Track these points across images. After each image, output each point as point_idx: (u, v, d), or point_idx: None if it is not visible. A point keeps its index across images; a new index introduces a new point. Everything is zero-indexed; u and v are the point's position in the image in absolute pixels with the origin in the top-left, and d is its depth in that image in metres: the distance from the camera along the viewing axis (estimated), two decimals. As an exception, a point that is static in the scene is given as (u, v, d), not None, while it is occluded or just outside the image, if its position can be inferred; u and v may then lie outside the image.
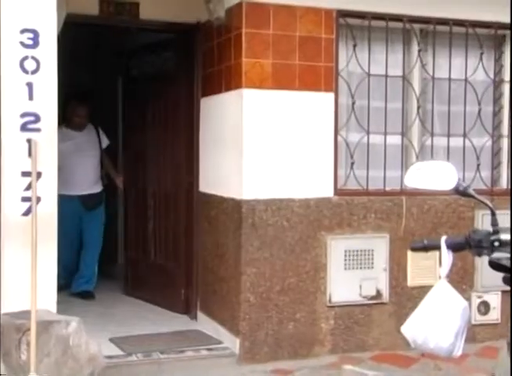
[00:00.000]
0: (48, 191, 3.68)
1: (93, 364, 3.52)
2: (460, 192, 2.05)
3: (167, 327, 4.92)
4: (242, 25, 4.32)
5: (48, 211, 3.66)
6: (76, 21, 4.46)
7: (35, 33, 3.63)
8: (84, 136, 5.86)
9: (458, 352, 1.96)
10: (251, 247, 4.37)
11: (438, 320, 1.93)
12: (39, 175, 3.63)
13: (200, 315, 5.10)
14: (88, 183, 5.84)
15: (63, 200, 5.40)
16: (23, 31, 3.61)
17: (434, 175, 2.05)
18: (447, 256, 2.02)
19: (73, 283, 5.92)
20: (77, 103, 5.80)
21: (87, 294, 5.85)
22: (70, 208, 5.47)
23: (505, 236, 1.94)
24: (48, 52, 3.66)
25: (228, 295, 4.59)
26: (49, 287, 3.67)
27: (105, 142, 6.05)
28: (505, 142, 5.09)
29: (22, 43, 3.61)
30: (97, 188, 5.93)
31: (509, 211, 4.73)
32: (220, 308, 4.73)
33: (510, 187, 4.92)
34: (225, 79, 4.62)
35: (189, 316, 5.23)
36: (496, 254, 1.89)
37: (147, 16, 4.91)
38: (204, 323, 4.98)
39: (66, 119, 5.63)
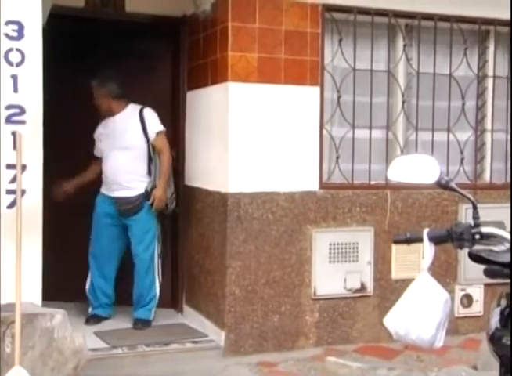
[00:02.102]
0: (33, 184, 3.67)
1: (78, 357, 3.52)
2: (442, 185, 2.08)
3: (153, 321, 4.92)
4: (228, 18, 4.32)
5: (33, 204, 3.65)
6: (61, 13, 4.43)
7: (20, 25, 3.61)
8: (116, 123, 4.78)
9: (439, 344, 1.98)
10: (237, 240, 4.39)
11: (420, 312, 1.95)
12: (24, 167, 3.62)
13: (186, 308, 5.11)
14: (117, 183, 4.73)
15: (99, 199, 4.86)
16: (7, 23, 3.58)
17: (417, 169, 2.07)
18: (429, 249, 2.04)
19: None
20: (94, 85, 4.78)
21: (140, 322, 4.79)
22: (104, 208, 4.81)
23: (486, 229, 1.96)
24: (33, 44, 3.64)
25: (213, 288, 4.61)
26: (34, 280, 3.66)
27: (154, 128, 4.73)
28: (488, 137, 5.14)
29: (6, 35, 3.58)
30: (132, 191, 4.72)
31: (492, 205, 4.80)
32: (205, 301, 4.75)
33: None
34: (211, 72, 4.62)
35: (174, 309, 5.23)
36: (477, 247, 1.91)
37: (133, 8, 4.90)
38: (190, 317, 4.99)
39: None
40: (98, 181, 4.94)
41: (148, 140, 4.73)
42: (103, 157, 4.84)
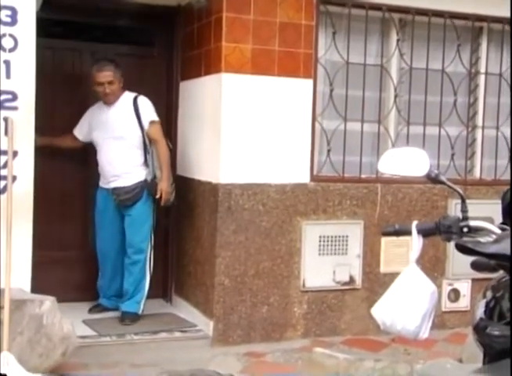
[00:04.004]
0: (25, 170, 3.68)
1: (66, 343, 3.54)
2: (432, 178, 2.09)
3: (141, 314, 4.92)
4: (222, 9, 4.32)
5: (24, 190, 3.66)
6: (55, 1, 4.41)
7: (13, 10, 3.61)
8: (112, 112, 4.66)
9: (424, 335, 2.00)
10: (227, 230, 4.40)
11: (406, 303, 1.97)
12: (15, 153, 3.63)
13: (175, 298, 5.12)
14: (113, 174, 4.64)
15: (98, 191, 4.80)
16: (1, 8, 3.58)
17: (407, 162, 2.08)
18: (417, 241, 2.06)
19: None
20: (97, 68, 4.60)
21: (127, 316, 4.65)
22: (102, 202, 4.75)
23: (474, 223, 1.98)
24: (27, 30, 3.64)
25: (202, 278, 4.62)
26: (24, 266, 3.67)
27: (147, 117, 4.62)
28: (479, 133, 5.17)
29: (0, 20, 3.58)
30: (128, 180, 4.62)
31: (481, 201, 4.82)
32: (195, 291, 4.77)
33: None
34: (204, 63, 4.63)
35: (164, 299, 5.25)
36: (465, 239, 1.94)
37: (128, -3, 4.89)
38: (179, 306, 5.01)
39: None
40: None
41: (142, 129, 4.61)
42: (97, 148, 4.72)
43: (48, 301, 3.51)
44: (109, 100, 4.64)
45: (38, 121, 3.79)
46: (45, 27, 4.14)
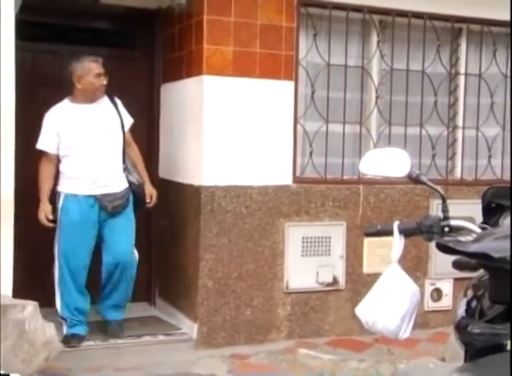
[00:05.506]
0: (5, 174, 3.64)
1: (49, 348, 3.51)
2: (413, 178, 2.10)
3: (125, 314, 4.90)
4: (203, 11, 4.32)
5: (5, 195, 3.62)
6: (34, 4, 4.39)
7: (-8, 14, 3.58)
8: (96, 111, 4.31)
9: (404, 334, 2.00)
10: (210, 233, 4.40)
11: (387, 302, 1.98)
12: (-5, 157, 3.59)
13: (159, 301, 5.11)
14: (105, 179, 4.27)
15: (70, 201, 4.25)
16: (-21, 12, 3.55)
17: (388, 162, 2.09)
18: (399, 241, 2.07)
19: (100, 306, 4.52)
20: (93, 59, 4.28)
21: (116, 323, 4.47)
22: (79, 211, 4.24)
23: (455, 222, 2.00)
24: (5, 33, 3.61)
25: (186, 281, 4.61)
26: (5, 272, 3.64)
27: (128, 120, 4.44)
28: (460, 134, 5.21)
29: (-22, 24, 3.55)
30: (118, 186, 4.33)
31: (462, 201, 4.85)
32: (178, 294, 4.76)
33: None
34: (186, 65, 4.62)
35: (147, 302, 5.23)
36: (446, 238, 1.95)
37: (108, 0, 4.87)
38: (163, 310, 5.00)
39: (74, 88, 4.31)
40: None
41: (123, 131, 4.38)
42: (75, 151, 4.25)
43: (31, 306, 3.47)
44: (99, 95, 4.31)
45: (18, 124, 3.76)
46: (24, 30, 4.11)
